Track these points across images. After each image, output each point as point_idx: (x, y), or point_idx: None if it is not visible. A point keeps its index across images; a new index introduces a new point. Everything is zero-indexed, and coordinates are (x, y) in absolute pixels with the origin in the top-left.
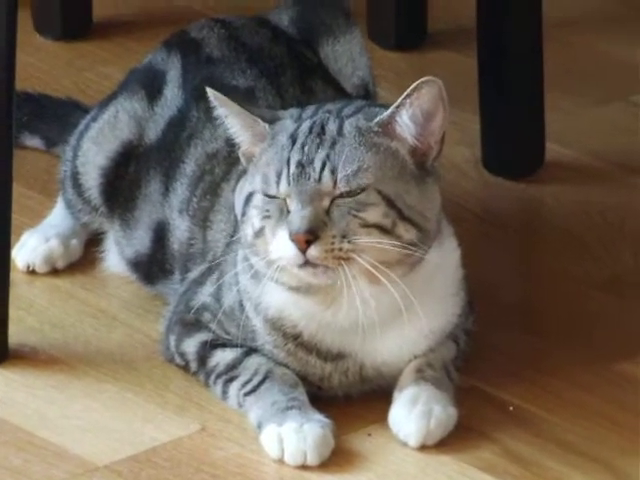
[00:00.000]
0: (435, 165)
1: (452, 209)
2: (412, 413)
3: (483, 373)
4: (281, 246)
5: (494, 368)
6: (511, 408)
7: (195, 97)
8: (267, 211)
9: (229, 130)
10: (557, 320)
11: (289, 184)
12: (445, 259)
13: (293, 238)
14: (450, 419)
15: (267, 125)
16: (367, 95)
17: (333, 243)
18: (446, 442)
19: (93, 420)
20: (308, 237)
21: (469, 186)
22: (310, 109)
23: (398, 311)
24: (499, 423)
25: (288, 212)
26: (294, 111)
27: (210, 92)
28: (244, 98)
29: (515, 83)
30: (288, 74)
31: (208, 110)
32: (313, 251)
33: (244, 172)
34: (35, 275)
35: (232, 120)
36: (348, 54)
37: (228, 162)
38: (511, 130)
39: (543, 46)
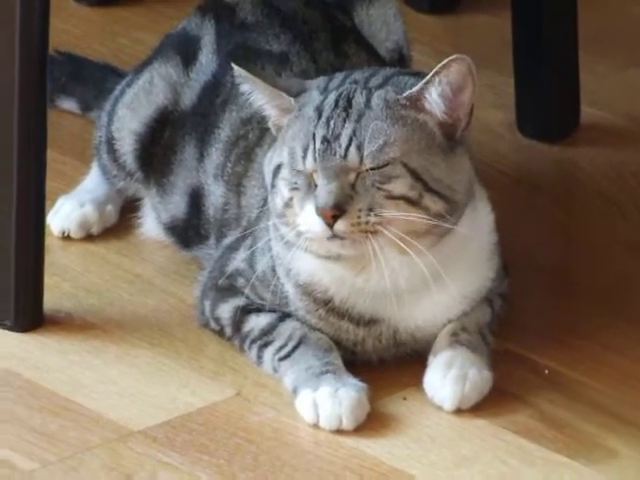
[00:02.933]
0: (465, 136)
1: (486, 172)
2: (447, 377)
3: (518, 337)
4: (309, 220)
5: (529, 332)
6: (546, 371)
7: (229, 62)
8: (295, 184)
9: (256, 104)
10: (593, 283)
11: (315, 160)
12: (478, 223)
13: (320, 213)
14: (485, 383)
15: (292, 99)
16: (401, 59)
17: (359, 217)
18: (481, 406)
19: (128, 385)
20: (335, 212)
21: (503, 149)
22: (337, 78)
23: (430, 277)
24: (534, 386)
25: (316, 186)
26: (321, 81)
27: (235, 67)
28: (277, 65)
29: (550, 46)
30: (322, 38)
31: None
32: (340, 225)
33: (275, 140)
34: (70, 241)
35: (257, 95)
36: (382, 18)
37: (262, 127)
38: (546, 93)
39: (578, 8)
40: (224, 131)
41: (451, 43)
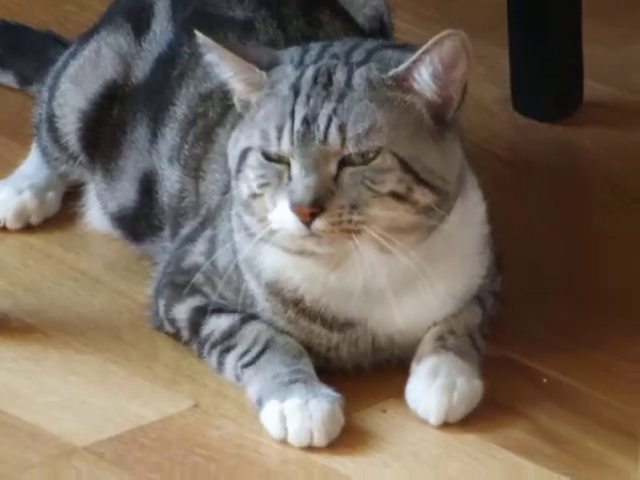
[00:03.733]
0: (456, 117)
1: (478, 155)
2: (432, 387)
3: (514, 341)
4: (282, 217)
5: (526, 336)
6: (545, 380)
7: (186, 31)
8: (263, 177)
9: (221, 77)
10: (599, 282)
11: (292, 143)
12: (468, 214)
13: (295, 210)
14: (475, 393)
15: (264, 73)
16: (382, 28)
17: (341, 215)
18: (471, 419)
19: (72, 396)
20: (313, 210)
21: (498, 129)
22: (313, 50)
23: (414, 276)
24: (531, 397)
25: (289, 178)
26: (295, 53)
27: (199, 35)
28: (241, 33)
29: (549, 12)
30: (292, 4)
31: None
32: (318, 224)
33: (241, 117)
34: (6, 232)
35: (224, 67)
36: None
37: (223, 104)
38: (545, 66)
39: None
40: (180, 108)
41: (437, 8)
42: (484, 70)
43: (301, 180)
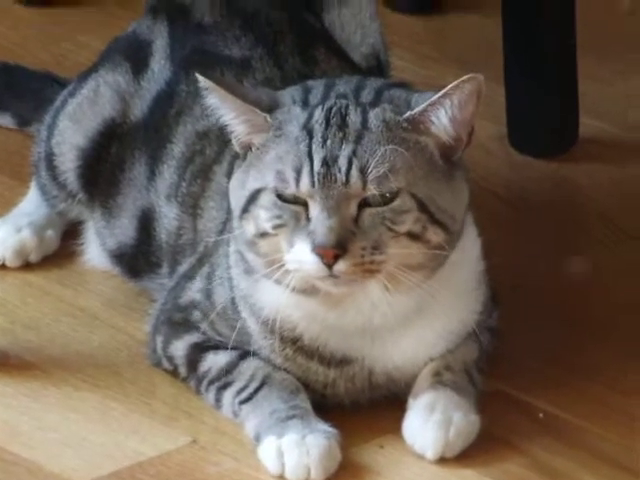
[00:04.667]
0: (462, 157)
1: (474, 192)
2: (429, 422)
3: (510, 376)
4: (302, 258)
5: (522, 370)
6: (541, 415)
7: (184, 69)
8: (279, 217)
9: (222, 119)
10: (594, 315)
11: (313, 185)
12: (465, 251)
13: (318, 252)
14: (472, 428)
15: (268, 115)
16: (379, 65)
17: (363, 256)
18: (468, 454)
19: (71, 432)
20: (337, 251)
21: (493, 165)
22: (317, 89)
23: (412, 313)
24: (528, 432)
25: (308, 219)
26: (295, 93)
27: (200, 78)
28: (238, 71)
29: (545, 49)
30: (288, 42)
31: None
32: (341, 266)
33: (240, 157)
34: (5, 270)
35: (225, 110)
36: (357, 19)
37: (220, 142)
38: (541, 102)
39: (576, 8)
40: (178, 146)
41: (434, 46)
42: (481, 107)
43: (322, 222)
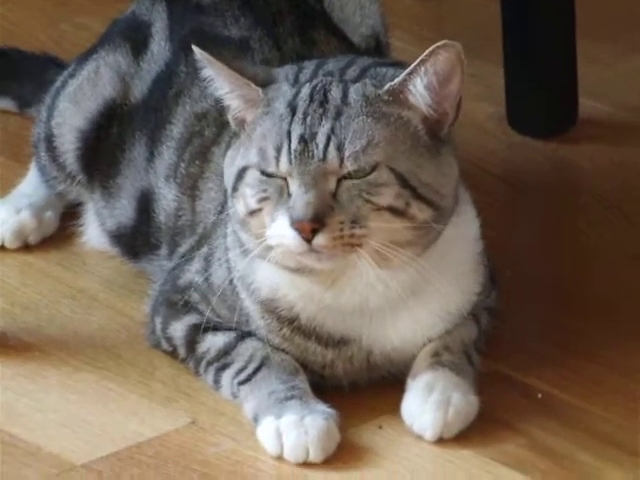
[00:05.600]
0: (450, 133)
1: (472, 172)
2: (427, 402)
3: (508, 356)
4: (282, 233)
5: (520, 350)
6: (539, 395)
7: (183, 50)
8: (264, 191)
9: (217, 93)
10: (592, 296)
11: (290, 162)
12: (462, 231)
13: (296, 226)
14: (470, 408)
15: (260, 90)
16: (378, 46)
17: (342, 230)
18: (466, 434)
19: (70, 414)
20: (314, 225)
21: (492, 146)
22: (308, 69)
23: (409, 292)
24: (526, 412)
25: (289, 194)
26: (290, 71)
27: (196, 50)
28: (236, 52)
29: (544, 31)
30: (287, 23)
31: (199, 71)
32: (320, 240)
33: (236, 136)
34: (5, 251)
35: (221, 82)
36: (356, 1)
37: (219, 123)
38: (539, 83)
39: None
40: (177, 127)
41: (434, 28)
42: (479, 88)
43: (301, 196)
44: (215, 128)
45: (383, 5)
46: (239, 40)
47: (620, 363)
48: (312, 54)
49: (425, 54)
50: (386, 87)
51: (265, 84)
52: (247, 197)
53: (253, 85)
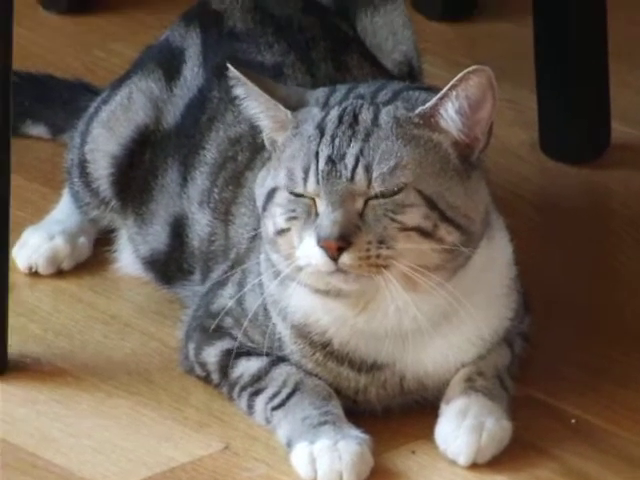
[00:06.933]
0: (481, 158)
1: (505, 198)
2: (461, 427)
3: (541, 381)
4: (309, 252)
5: (554, 376)
6: (573, 421)
7: (217, 76)
8: (293, 211)
9: (248, 112)
10: (626, 321)
11: (318, 182)
12: (495, 256)
13: (323, 245)
14: (504, 433)
15: (289, 112)
16: (411, 72)
17: (368, 250)
18: (500, 460)
19: (103, 439)
20: (340, 244)
21: (525, 172)
22: (339, 92)
23: (441, 317)
24: (560, 437)
25: (317, 214)
26: (320, 94)
27: (230, 69)
28: (270, 76)
29: (577, 56)
30: (320, 48)
31: (231, 90)
32: (346, 259)
33: (269, 159)
34: (38, 277)
35: (251, 102)
36: (389, 26)
37: (253, 148)
38: (572, 109)
39: (607, 14)
40: (210, 152)
41: (466, 53)
42: (512, 114)
43: (328, 215)
44: (248, 153)
45: (416, 31)
46: (272, 66)
47: None
48: (345, 79)
49: (456, 79)
50: (417, 110)
51: (296, 106)
52: (276, 217)
53: (282, 107)
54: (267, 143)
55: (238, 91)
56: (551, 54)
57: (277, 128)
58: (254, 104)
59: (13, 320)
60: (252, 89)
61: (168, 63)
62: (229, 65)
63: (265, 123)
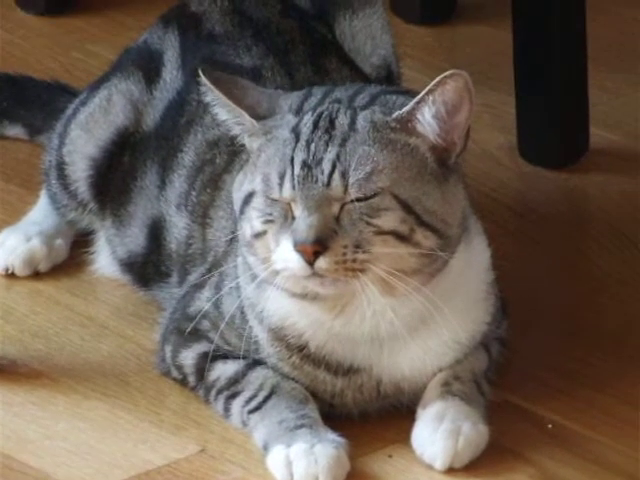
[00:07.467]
0: (458, 162)
1: (483, 202)
2: (438, 432)
3: (518, 386)
4: (285, 256)
5: (531, 380)
6: (550, 425)
7: (195, 79)
8: (269, 215)
9: (220, 119)
10: (603, 326)
11: (293, 188)
12: (473, 261)
13: (299, 249)
14: (481, 438)
15: (255, 121)
16: (389, 76)
17: (345, 254)
18: (476, 464)
19: (79, 441)
20: (316, 248)
21: (503, 176)
22: (315, 97)
23: (418, 322)
24: (536, 442)
25: (293, 218)
26: (295, 99)
27: (202, 76)
28: (249, 79)
29: (555, 60)
30: (299, 52)
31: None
32: (322, 263)
33: (247, 162)
34: (15, 279)
35: (220, 110)
36: (367, 30)
37: (231, 151)
38: (551, 113)
39: (587, 18)
40: (188, 155)
41: (445, 57)
42: (490, 118)
43: (304, 220)
44: (226, 156)
45: (394, 35)
46: (251, 69)
47: (630, 394)
48: (324, 83)
49: (433, 83)
50: (394, 115)
51: (265, 114)
52: (253, 220)
53: (247, 116)
54: (248, 145)
55: (208, 98)
56: (530, 58)
57: (246, 134)
58: (222, 111)
59: None
60: (219, 97)
61: (147, 65)
62: (200, 71)
63: (235, 129)
